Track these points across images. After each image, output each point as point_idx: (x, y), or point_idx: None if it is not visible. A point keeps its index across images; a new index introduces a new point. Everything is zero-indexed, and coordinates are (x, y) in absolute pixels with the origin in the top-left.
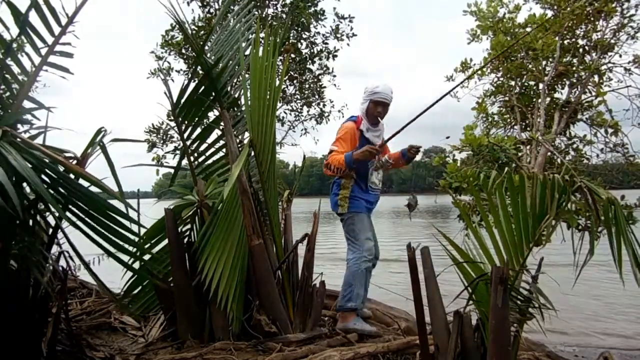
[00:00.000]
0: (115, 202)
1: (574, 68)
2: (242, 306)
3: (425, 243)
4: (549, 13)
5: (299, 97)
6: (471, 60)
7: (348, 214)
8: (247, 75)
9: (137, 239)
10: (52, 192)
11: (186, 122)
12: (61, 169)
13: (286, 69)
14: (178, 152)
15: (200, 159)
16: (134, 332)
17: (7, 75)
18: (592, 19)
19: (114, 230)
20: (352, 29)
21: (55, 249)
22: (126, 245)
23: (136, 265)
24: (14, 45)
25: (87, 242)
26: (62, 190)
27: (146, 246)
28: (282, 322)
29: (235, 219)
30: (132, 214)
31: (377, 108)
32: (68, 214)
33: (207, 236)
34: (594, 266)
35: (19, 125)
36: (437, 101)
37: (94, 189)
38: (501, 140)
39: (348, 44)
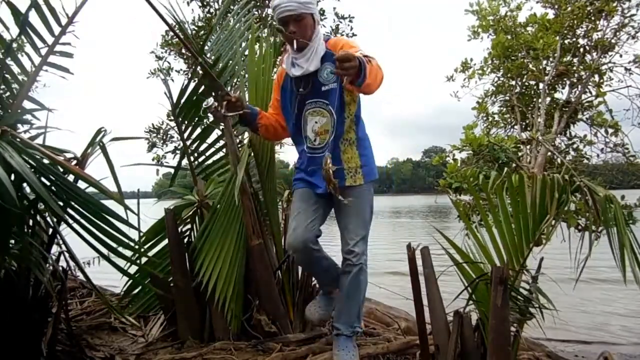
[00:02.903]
0: (115, 203)
1: (575, 68)
2: (241, 306)
3: (425, 243)
4: (550, 12)
5: None
6: (471, 60)
7: None
8: (246, 75)
9: (134, 243)
10: (51, 192)
11: (186, 122)
12: (61, 169)
13: None
14: (178, 152)
15: (200, 159)
16: (134, 332)
17: (7, 75)
18: (592, 18)
19: (110, 234)
20: (352, 29)
21: (55, 249)
22: (123, 250)
23: (136, 265)
24: (14, 45)
25: (91, 240)
26: (61, 192)
27: (146, 246)
28: (282, 322)
29: (234, 218)
30: (132, 215)
31: (287, 29)
32: (66, 215)
33: (205, 235)
34: (595, 266)
35: (19, 125)
36: None
37: (93, 190)
38: (501, 140)
39: None
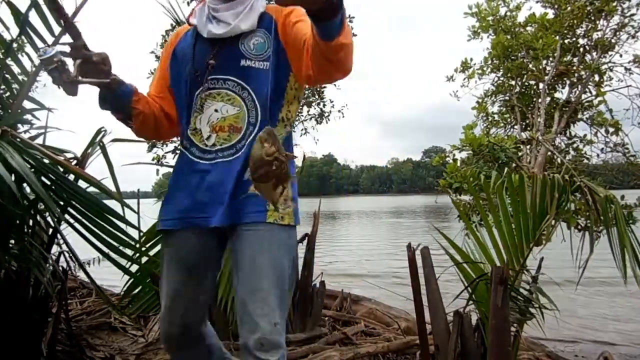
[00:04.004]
0: (115, 203)
1: (575, 68)
2: None
3: (425, 243)
4: (550, 12)
5: None
6: (471, 60)
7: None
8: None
9: (135, 242)
10: (51, 193)
11: None
12: (61, 169)
13: None
14: (178, 152)
15: None
16: (134, 332)
17: (7, 75)
18: (592, 18)
19: (111, 233)
20: (352, 29)
21: (55, 249)
22: (124, 249)
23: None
24: (14, 45)
25: (92, 240)
26: (62, 192)
27: (147, 245)
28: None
29: None
30: (132, 215)
31: None
32: (66, 215)
33: None
34: (595, 266)
35: (19, 125)
36: None
37: (94, 189)
38: (501, 140)
39: None
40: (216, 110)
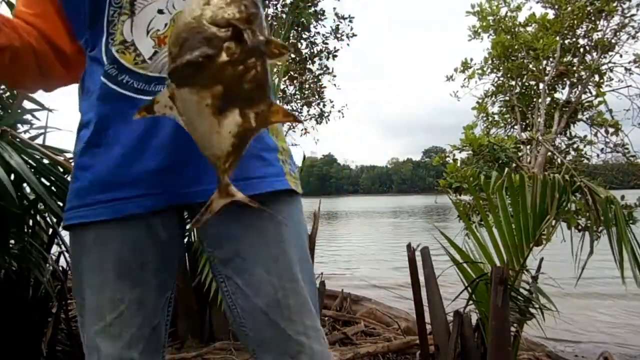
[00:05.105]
0: None
1: (575, 68)
2: None
3: (425, 243)
4: (550, 12)
5: (299, 97)
6: (471, 60)
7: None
8: None
9: None
10: (51, 193)
11: None
12: (61, 169)
13: (286, 69)
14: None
15: None
16: None
17: None
18: (592, 18)
19: None
20: (352, 29)
21: (55, 249)
22: None
23: None
24: None
25: None
26: (61, 192)
27: None
28: None
29: None
30: None
31: None
32: None
33: None
34: (595, 266)
35: (19, 125)
36: None
37: None
38: (501, 140)
39: (348, 44)
40: (161, 11)
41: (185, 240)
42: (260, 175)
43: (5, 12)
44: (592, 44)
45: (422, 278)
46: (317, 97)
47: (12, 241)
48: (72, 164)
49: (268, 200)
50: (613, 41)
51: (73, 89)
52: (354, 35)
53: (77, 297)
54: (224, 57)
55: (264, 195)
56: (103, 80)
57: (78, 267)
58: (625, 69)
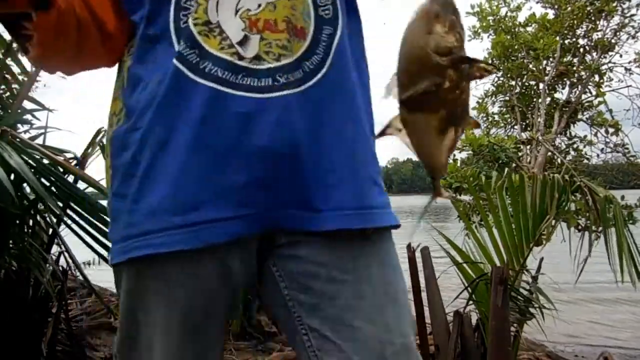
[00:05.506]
0: None
1: (575, 68)
2: (242, 306)
3: (425, 243)
4: (550, 13)
5: None
6: None
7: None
8: None
9: None
10: (51, 193)
11: None
12: (61, 169)
13: None
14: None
15: None
16: None
17: (7, 75)
18: (592, 18)
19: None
20: None
21: (55, 249)
22: None
23: None
24: (14, 45)
25: (89, 241)
26: (61, 192)
27: None
28: None
29: None
30: None
31: None
32: (65, 217)
33: None
34: (596, 269)
35: (19, 125)
36: None
37: (94, 190)
38: (501, 140)
39: None
40: None
41: None
42: (379, 205)
43: None
44: (592, 44)
45: (422, 278)
46: None
47: (12, 241)
48: (112, 175)
49: (374, 235)
50: (613, 41)
51: (72, 88)
52: None
53: (128, 351)
54: (447, 83)
55: (377, 229)
56: (177, 66)
57: (135, 315)
58: (625, 69)
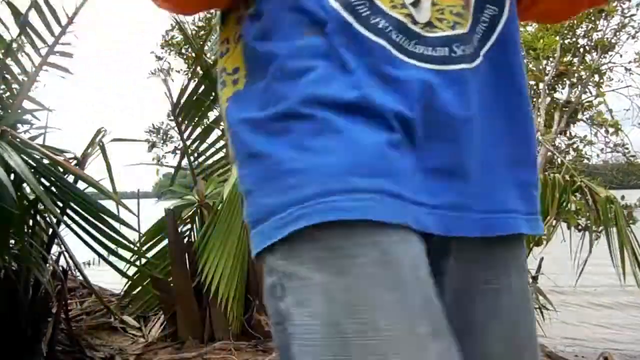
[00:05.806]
0: (115, 203)
1: (575, 68)
2: (242, 306)
3: None
4: None
5: None
6: None
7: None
8: None
9: (133, 244)
10: (50, 193)
11: (186, 122)
12: (60, 169)
13: None
14: (178, 152)
15: (201, 159)
16: (134, 332)
17: (7, 75)
18: (592, 18)
19: (109, 234)
20: None
21: (55, 249)
22: (122, 250)
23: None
24: (14, 45)
25: (89, 241)
26: (61, 192)
27: (145, 247)
28: None
29: (236, 219)
30: (132, 215)
31: None
32: (65, 217)
33: (207, 236)
34: (595, 266)
35: (19, 125)
36: None
37: (93, 190)
38: None
39: None
40: None
41: (185, 240)
42: (537, 211)
43: (6, 11)
44: (592, 43)
45: None
46: None
47: (12, 241)
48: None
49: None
50: (613, 41)
51: (72, 90)
52: None
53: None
54: None
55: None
56: (341, 15)
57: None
58: (625, 68)
